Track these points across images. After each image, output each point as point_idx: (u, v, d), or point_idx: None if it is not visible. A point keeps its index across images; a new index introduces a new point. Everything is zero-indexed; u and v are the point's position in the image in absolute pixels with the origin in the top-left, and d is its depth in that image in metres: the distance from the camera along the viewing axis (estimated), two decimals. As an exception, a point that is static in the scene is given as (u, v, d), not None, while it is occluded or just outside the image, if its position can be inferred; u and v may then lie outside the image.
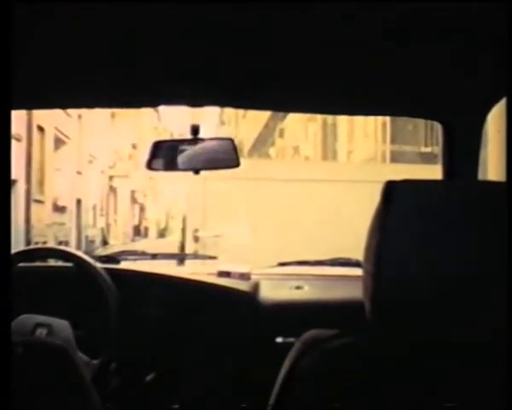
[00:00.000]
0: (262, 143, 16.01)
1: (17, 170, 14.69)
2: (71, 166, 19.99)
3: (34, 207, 16.21)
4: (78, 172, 21.44)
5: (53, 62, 1.67)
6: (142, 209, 43.66)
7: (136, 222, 41.27)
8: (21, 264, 2.15)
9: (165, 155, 2.12)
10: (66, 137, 19.17)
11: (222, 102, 1.91)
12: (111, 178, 28.84)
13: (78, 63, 1.67)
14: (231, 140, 2.18)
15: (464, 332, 1.09)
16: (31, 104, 2.22)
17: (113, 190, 29.73)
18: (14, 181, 14.80)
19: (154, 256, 2.63)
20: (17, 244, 14.07)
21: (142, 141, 28.44)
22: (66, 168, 19.33)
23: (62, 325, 2.12)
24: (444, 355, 1.10)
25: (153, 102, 1.92)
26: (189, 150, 2.10)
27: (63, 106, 2.43)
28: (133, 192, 37.64)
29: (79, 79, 1.80)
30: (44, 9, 1.29)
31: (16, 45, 1.17)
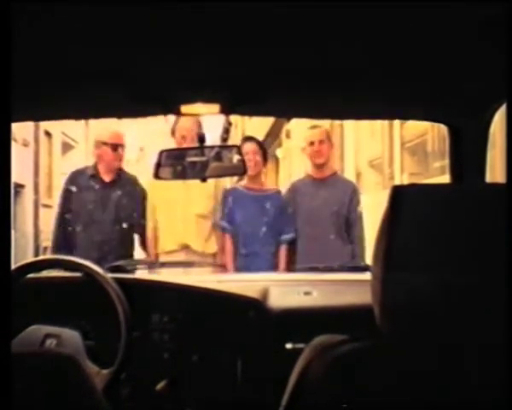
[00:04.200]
0: (269, 144, 16.00)
1: (25, 175, 14.71)
2: (78, 170, 20.01)
3: (42, 211, 16.22)
4: (86, 176, 21.45)
5: (56, 72, 1.67)
6: (150, 211, 43.62)
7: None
8: (30, 275, 2.15)
9: (172, 163, 2.13)
10: (74, 141, 19.20)
11: (225, 110, 1.91)
12: (119, 181, 28.88)
13: (81, 73, 1.68)
14: (238, 147, 2.18)
15: (474, 336, 1.08)
16: (33, 115, 2.22)
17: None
18: (22, 186, 14.82)
19: (163, 265, 2.64)
20: (26, 249, 14.08)
21: (150, 144, 28.46)
22: (74, 172, 19.35)
23: (72, 336, 2.13)
24: (454, 359, 1.09)
25: (154, 112, 1.92)
26: (196, 158, 2.10)
27: (67, 117, 2.43)
28: (141, 194, 37.65)
29: (82, 89, 1.80)
30: (45, 16, 1.30)
31: (17, 53, 1.17)
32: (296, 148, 12.85)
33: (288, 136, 13.43)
